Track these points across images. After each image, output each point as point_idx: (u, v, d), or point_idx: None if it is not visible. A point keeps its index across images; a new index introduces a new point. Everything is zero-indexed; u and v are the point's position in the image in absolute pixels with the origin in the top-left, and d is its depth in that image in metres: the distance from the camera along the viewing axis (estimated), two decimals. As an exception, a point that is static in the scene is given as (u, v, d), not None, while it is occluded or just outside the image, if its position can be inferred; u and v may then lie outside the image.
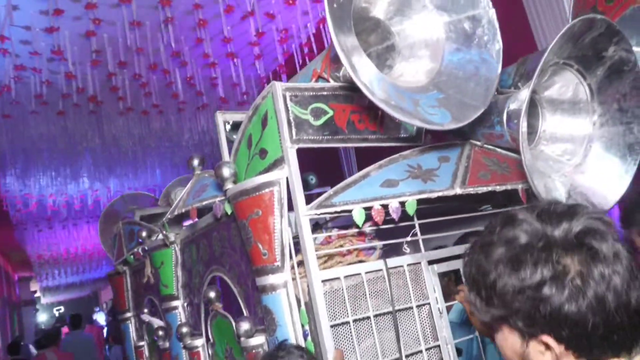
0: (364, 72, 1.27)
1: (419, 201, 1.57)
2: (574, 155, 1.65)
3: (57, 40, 4.36)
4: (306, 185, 2.92)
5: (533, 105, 1.74)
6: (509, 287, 0.84)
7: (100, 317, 13.17)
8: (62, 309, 22.81)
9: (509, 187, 1.67)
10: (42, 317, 21.17)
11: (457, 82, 1.45)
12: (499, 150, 1.85)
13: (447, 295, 1.79)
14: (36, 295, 19.00)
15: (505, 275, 0.85)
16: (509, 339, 0.90)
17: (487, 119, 1.75)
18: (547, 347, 0.84)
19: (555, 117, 1.72)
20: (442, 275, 1.83)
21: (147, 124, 6.12)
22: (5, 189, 6.91)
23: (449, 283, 2.13)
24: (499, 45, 1.52)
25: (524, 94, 1.49)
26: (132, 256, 2.65)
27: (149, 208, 3.13)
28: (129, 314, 2.99)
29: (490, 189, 1.64)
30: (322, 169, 1.87)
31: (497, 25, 1.53)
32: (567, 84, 1.66)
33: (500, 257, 0.86)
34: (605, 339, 0.82)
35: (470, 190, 1.59)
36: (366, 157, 1.67)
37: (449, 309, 2.03)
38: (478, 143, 1.82)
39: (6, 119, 5.24)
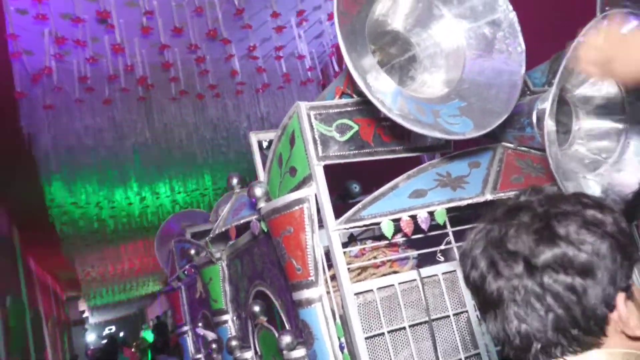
0: (380, 88, 1.30)
1: (453, 209, 1.58)
2: (611, 153, 1.59)
3: (103, 5, 3.76)
4: (351, 194, 2.96)
5: (565, 104, 1.70)
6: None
7: (148, 335, 13.30)
8: (114, 328, 23.29)
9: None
10: (91, 337, 21.28)
11: (479, 89, 1.45)
12: (533, 151, 1.81)
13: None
14: (84, 315, 19.08)
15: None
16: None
17: (518, 121, 1.73)
18: None
19: (590, 115, 1.67)
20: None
21: (202, 112, 5.17)
22: (50, 197, 6.26)
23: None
24: (521, 48, 1.50)
25: (551, 93, 1.46)
26: (184, 272, 2.77)
27: (200, 225, 3.26)
28: (185, 328, 3.12)
29: (523, 192, 1.61)
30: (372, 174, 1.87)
31: (518, 27, 1.51)
32: (600, 82, 1.61)
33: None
34: None
35: (502, 195, 1.57)
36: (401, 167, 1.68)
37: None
38: (510, 145, 1.80)
39: (48, 110, 4.43)
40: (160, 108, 5.03)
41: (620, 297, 0.85)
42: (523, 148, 1.81)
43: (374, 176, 1.85)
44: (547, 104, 1.46)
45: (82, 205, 6.78)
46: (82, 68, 4.28)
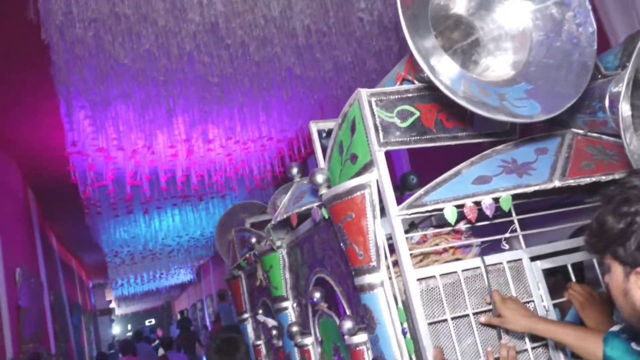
0: (444, 71, 1.28)
1: (519, 196, 1.54)
2: (692, 137, 1.50)
3: None
4: (408, 185, 2.93)
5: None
6: (613, 220, 1.04)
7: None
8: (153, 320, 23.16)
9: (616, 176, 1.57)
10: (116, 330, 20.66)
11: (547, 72, 1.40)
12: (605, 137, 1.73)
13: (556, 294, 1.71)
14: (111, 305, 18.36)
15: (613, 211, 1.05)
16: (614, 274, 1.08)
17: (588, 105, 1.66)
18: None
19: (668, 97, 1.58)
20: (549, 273, 1.76)
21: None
22: (72, 139, 4.70)
23: (558, 281, 2.02)
24: (592, 28, 1.44)
25: (625, 75, 1.40)
26: (244, 261, 2.85)
27: (259, 215, 3.34)
28: (246, 315, 3.20)
29: (594, 179, 1.55)
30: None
31: (589, 6, 1.45)
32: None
33: (614, 198, 1.06)
34: None
35: (571, 182, 1.52)
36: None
37: (556, 307, 1.94)
38: (580, 132, 1.73)
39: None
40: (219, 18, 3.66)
41: None
42: (594, 134, 1.73)
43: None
44: (621, 86, 1.40)
45: (113, 157, 5.18)
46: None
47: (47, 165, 5.74)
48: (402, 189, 2.83)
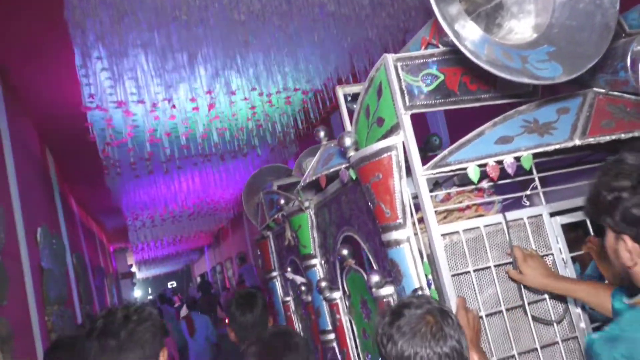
0: (468, 36, 1.34)
1: (540, 154, 1.60)
2: None
3: None
4: (431, 147, 3.00)
5: (663, 45, 1.64)
6: (604, 192, 1.19)
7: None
8: (175, 283, 23.11)
9: (636, 134, 1.62)
10: (137, 293, 20.58)
11: (569, 33, 1.44)
12: (627, 96, 1.77)
13: (577, 248, 1.80)
14: (132, 269, 18.32)
15: (605, 184, 1.20)
16: (608, 236, 1.25)
17: (611, 65, 1.69)
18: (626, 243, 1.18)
19: (690, 55, 1.61)
20: (570, 228, 1.84)
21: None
22: (89, 93, 4.43)
23: (579, 235, 2.10)
24: (615, -13, 1.46)
25: (648, 35, 1.43)
26: (273, 222, 2.98)
27: (285, 178, 3.45)
28: (274, 273, 3.36)
29: (614, 137, 1.60)
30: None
31: (612, -34, 1.46)
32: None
33: (609, 171, 1.22)
34: None
35: (591, 140, 1.57)
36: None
37: (578, 261, 2.01)
38: (602, 91, 1.76)
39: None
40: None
41: None
42: (615, 93, 1.77)
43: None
44: (643, 45, 1.43)
45: (132, 112, 4.86)
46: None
47: (64, 123, 5.39)
48: (424, 150, 2.89)
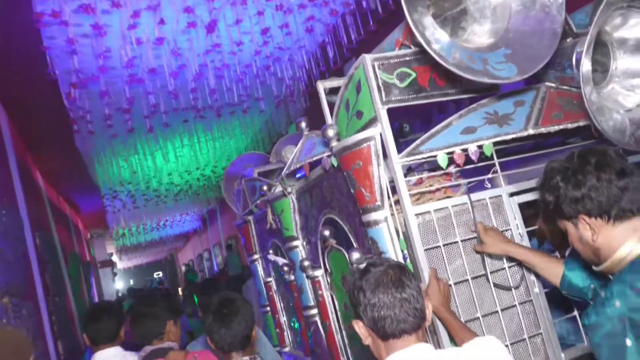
0: (436, 41, 1.54)
1: (500, 142, 1.83)
2: (644, 88, 1.78)
3: None
4: (402, 133, 3.22)
5: (604, 45, 1.89)
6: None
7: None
8: (161, 273, 22.22)
9: (581, 123, 1.86)
10: (119, 285, 19.06)
11: (522, 38, 1.66)
12: (574, 89, 2.01)
13: (532, 224, 2.05)
14: (112, 257, 17.07)
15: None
16: (568, 229, 1.42)
17: (559, 63, 1.93)
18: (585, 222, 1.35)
19: (626, 55, 1.85)
20: (528, 206, 2.08)
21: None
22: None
23: (536, 212, 2.35)
24: (562, -3, 1.68)
25: (587, 37, 1.66)
26: (255, 207, 3.15)
27: (264, 165, 3.61)
28: (256, 256, 3.54)
29: (562, 127, 1.85)
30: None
31: (560, -22, 1.68)
32: (637, 24, 1.78)
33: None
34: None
35: (542, 130, 1.81)
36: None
37: (535, 238, 2.27)
38: (553, 85, 2.00)
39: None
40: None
41: None
42: (564, 87, 2.01)
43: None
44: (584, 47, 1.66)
45: (101, 23, 3.48)
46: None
47: (15, 49, 3.87)
48: (395, 137, 3.11)
